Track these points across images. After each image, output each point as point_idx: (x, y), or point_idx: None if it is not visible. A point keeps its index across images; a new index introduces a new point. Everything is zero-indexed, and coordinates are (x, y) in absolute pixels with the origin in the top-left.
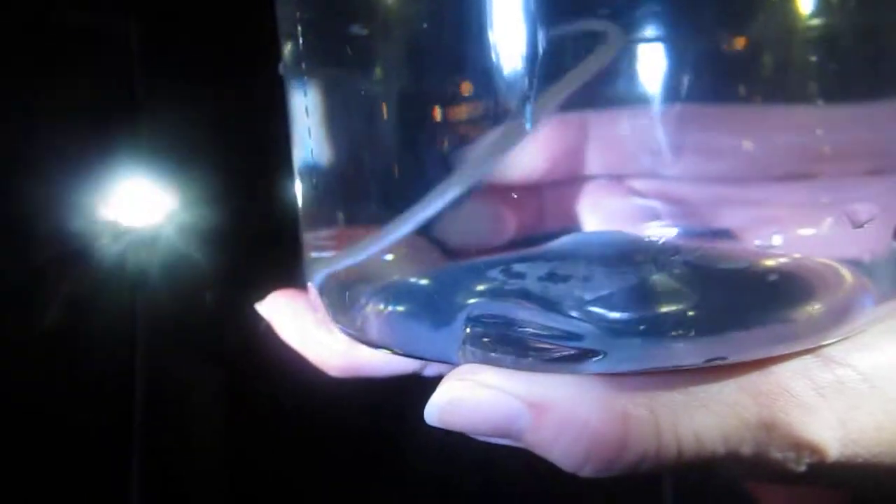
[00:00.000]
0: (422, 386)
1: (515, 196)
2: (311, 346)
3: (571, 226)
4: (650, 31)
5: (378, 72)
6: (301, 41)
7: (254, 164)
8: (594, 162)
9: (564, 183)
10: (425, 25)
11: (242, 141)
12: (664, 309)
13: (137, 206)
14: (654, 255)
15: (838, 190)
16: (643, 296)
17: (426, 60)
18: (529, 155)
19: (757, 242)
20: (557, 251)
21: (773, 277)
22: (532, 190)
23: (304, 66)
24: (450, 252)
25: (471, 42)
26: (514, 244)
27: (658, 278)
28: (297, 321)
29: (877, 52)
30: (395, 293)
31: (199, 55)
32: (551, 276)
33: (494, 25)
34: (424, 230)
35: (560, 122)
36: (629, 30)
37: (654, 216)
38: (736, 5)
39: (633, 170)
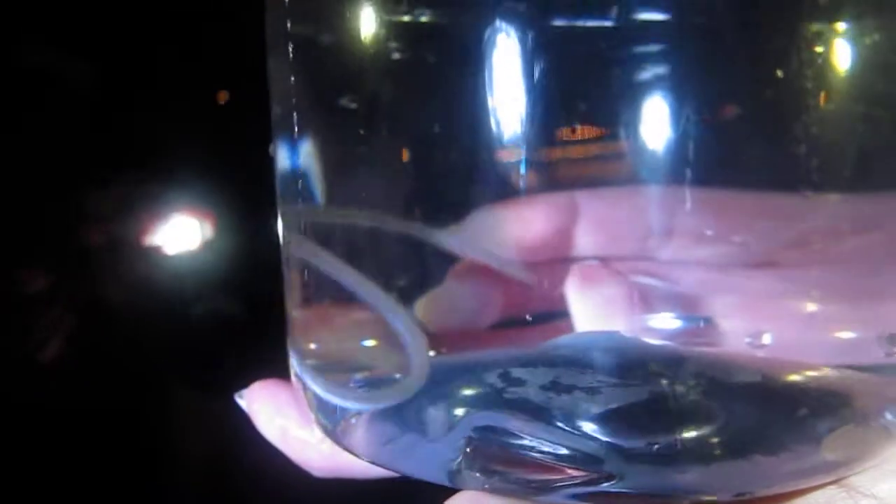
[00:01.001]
0: (414, 489)
1: (501, 277)
2: (293, 444)
3: (558, 310)
4: (643, 112)
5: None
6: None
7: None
8: (581, 243)
9: (552, 264)
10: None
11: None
12: (681, 432)
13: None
14: (661, 364)
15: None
16: (657, 415)
17: (425, 135)
18: (517, 233)
19: (749, 340)
20: (557, 355)
21: (792, 394)
22: (520, 269)
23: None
24: (432, 336)
25: (466, 120)
26: (499, 327)
27: (669, 395)
28: (278, 417)
29: (873, 142)
30: (381, 396)
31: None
32: (555, 386)
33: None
34: (408, 310)
35: (549, 202)
36: (624, 109)
37: (643, 303)
38: (726, 93)
39: (623, 252)
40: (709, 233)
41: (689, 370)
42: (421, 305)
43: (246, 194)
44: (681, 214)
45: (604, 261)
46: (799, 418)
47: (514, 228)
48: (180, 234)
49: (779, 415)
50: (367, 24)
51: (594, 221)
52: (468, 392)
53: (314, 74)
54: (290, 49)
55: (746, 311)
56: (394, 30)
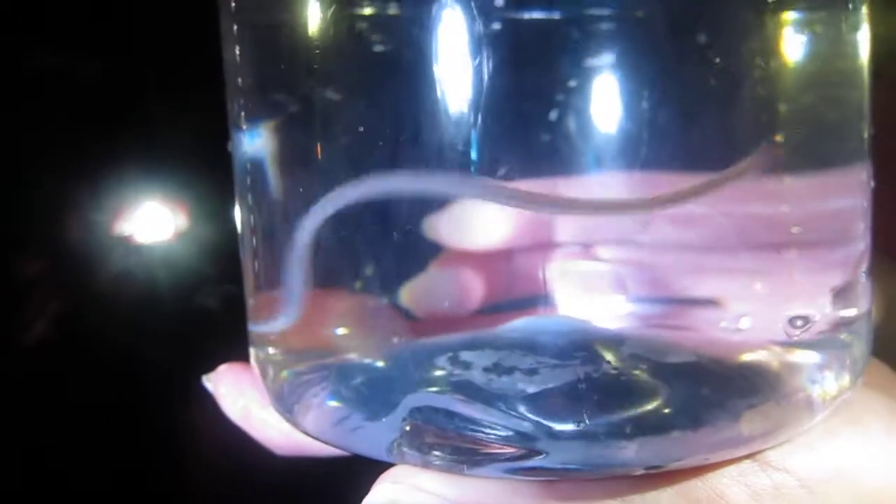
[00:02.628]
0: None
1: (484, 264)
2: (255, 424)
3: (539, 294)
4: (620, 96)
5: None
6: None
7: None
8: (562, 229)
9: (532, 249)
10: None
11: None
12: (607, 411)
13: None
14: (602, 346)
15: (807, 262)
16: (586, 394)
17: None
18: (496, 220)
19: (720, 323)
20: (506, 338)
21: (720, 373)
22: (499, 256)
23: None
24: (414, 321)
25: (418, 131)
26: (481, 312)
27: (602, 375)
28: (241, 398)
29: (842, 123)
30: (334, 378)
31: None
32: (496, 368)
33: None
34: (389, 297)
35: (528, 188)
36: (599, 94)
37: (621, 284)
38: (703, 77)
39: (602, 237)
40: (687, 215)
41: (625, 352)
42: (405, 291)
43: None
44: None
45: (585, 246)
46: (719, 395)
47: (496, 214)
48: (153, 222)
49: (703, 392)
50: (313, 16)
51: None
52: (414, 374)
53: (261, 66)
54: (239, 43)
55: (722, 298)
56: (334, 21)
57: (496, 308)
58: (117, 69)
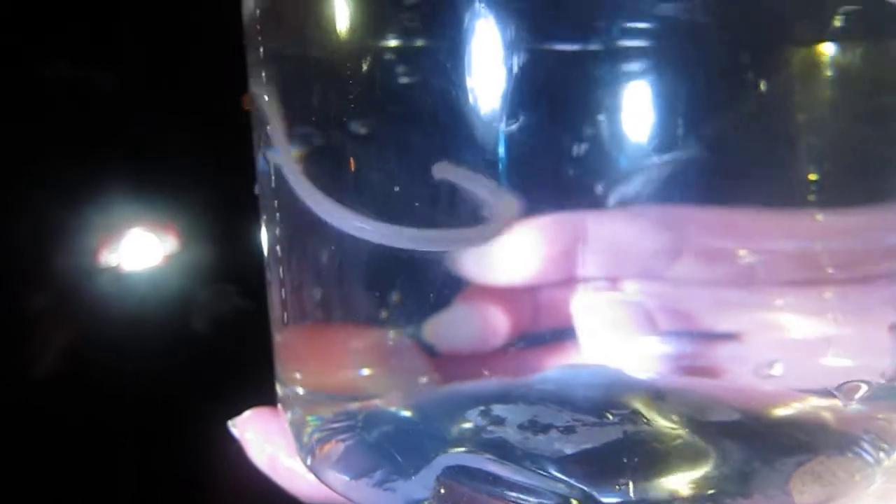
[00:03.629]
0: None
1: (509, 299)
2: (281, 473)
3: (566, 329)
4: (649, 130)
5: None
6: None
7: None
8: (589, 263)
9: (558, 284)
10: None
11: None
12: (651, 476)
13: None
14: (640, 401)
15: (842, 298)
16: (628, 458)
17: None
18: (524, 255)
19: (750, 371)
20: (540, 390)
21: (766, 433)
22: (526, 292)
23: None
24: (438, 358)
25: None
26: (507, 348)
27: (643, 436)
28: (268, 445)
29: (876, 161)
30: (360, 427)
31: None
32: (532, 425)
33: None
34: (413, 333)
35: (555, 222)
36: (628, 127)
37: (650, 324)
38: (733, 109)
39: (628, 272)
40: (715, 252)
41: (665, 408)
42: (429, 327)
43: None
44: (687, 234)
45: (611, 281)
46: (767, 458)
47: (521, 250)
48: (140, 248)
49: (750, 455)
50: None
51: (600, 241)
52: (444, 428)
53: (288, 97)
54: (267, 69)
55: (753, 336)
56: (361, 53)
57: (523, 343)
58: (106, 92)
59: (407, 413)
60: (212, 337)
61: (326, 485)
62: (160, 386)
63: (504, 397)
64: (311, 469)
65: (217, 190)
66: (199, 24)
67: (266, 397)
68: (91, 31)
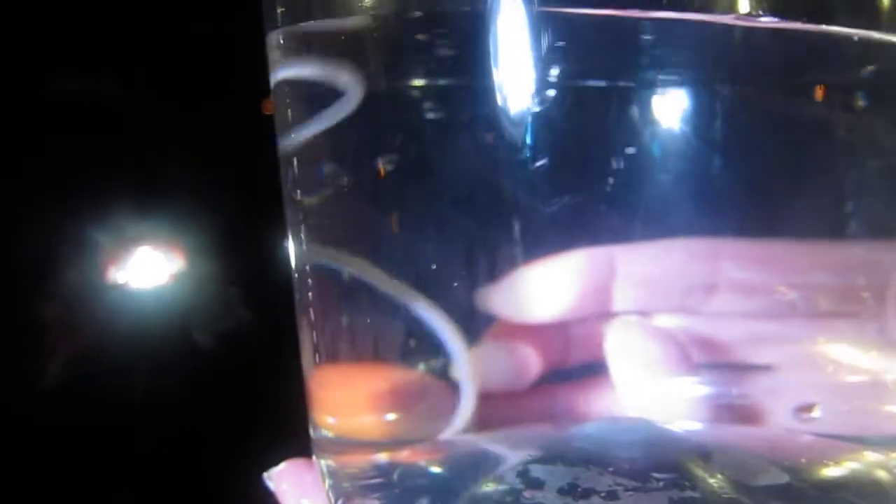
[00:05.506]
0: None
1: (539, 335)
2: None
3: (598, 363)
4: (680, 162)
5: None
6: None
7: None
8: (622, 298)
9: (591, 320)
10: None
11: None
12: None
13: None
14: (684, 463)
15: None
16: None
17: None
18: (555, 291)
19: (790, 413)
20: (578, 448)
21: (817, 498)
22: (558, 328)
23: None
24: (470, 395)
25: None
26: (539, 385)
27: (692, 502)
28: (304, 499)
29: None
30: (392, 486)
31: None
32: (572, 489)
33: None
34: (442, 371)
35: (587, 257)
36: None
37: (686, 362)
38: (767, 141)
39: (662, 307)
40: (751, 286)
41: (711, 469)
42: (462, 364)
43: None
44: (722, 267)
45: (644, 315)
46: None
47: (553, 285)
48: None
49: None
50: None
51: (632, 276)
52: (481, 489)
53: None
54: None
55: (790, 372)
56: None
57: (555, 380)
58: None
59: (440, 469)
60: (219, 353)
61: None
62: (167, 400)
63: (542, 457)
64: None
65: (223, 207)
66: (202, 42)
67: (273, 412)
68: (97, 48)
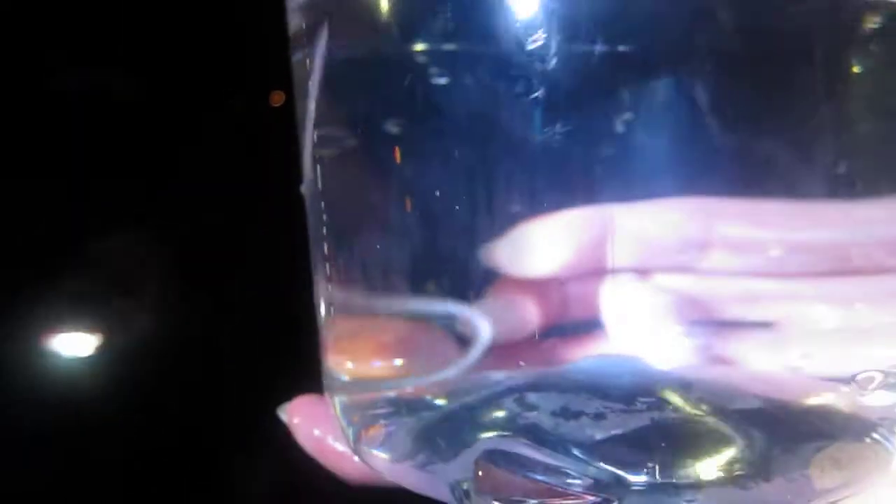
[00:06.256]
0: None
1: (539, 292)
2: (328, 455)
3: (595, 319)
4: (676, 122)
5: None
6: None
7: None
8: (619, 256)
9: (588, 276)
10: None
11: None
12: (677, 460)
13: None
14: (667, 390)
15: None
16: (655, 443)
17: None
18: (554, 247)
19: (779, 363)
20: (571, 379)
21: (789, 420)
22: (556, 283)
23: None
24: (475, 345)
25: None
26: (537, 338)
27: (669, 422)
28: (316, 429)
29: None
30: (399, 414)
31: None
32: (564, 412)
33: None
34: (444, 323)
35: (584, 216)
36: (661, 126)
37: (678, 315)
38: (761, 100)
39: (657, 264)
40: (744, 243)
41: (692, 397)
42: (462, 319)
43: None
44: (716, 225)
45: (640, 273)
46: (789, 443)
47: (551, 241)
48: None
49: (773, 441)
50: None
51: (629, 233)
52: (483, 416)
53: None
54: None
55: (782, 327)
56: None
57: (553, 334)
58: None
59: (445, 401)
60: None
61: (370, 466)
62: None
63: (536, 386)
64: (355, 451)
65: None
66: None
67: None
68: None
